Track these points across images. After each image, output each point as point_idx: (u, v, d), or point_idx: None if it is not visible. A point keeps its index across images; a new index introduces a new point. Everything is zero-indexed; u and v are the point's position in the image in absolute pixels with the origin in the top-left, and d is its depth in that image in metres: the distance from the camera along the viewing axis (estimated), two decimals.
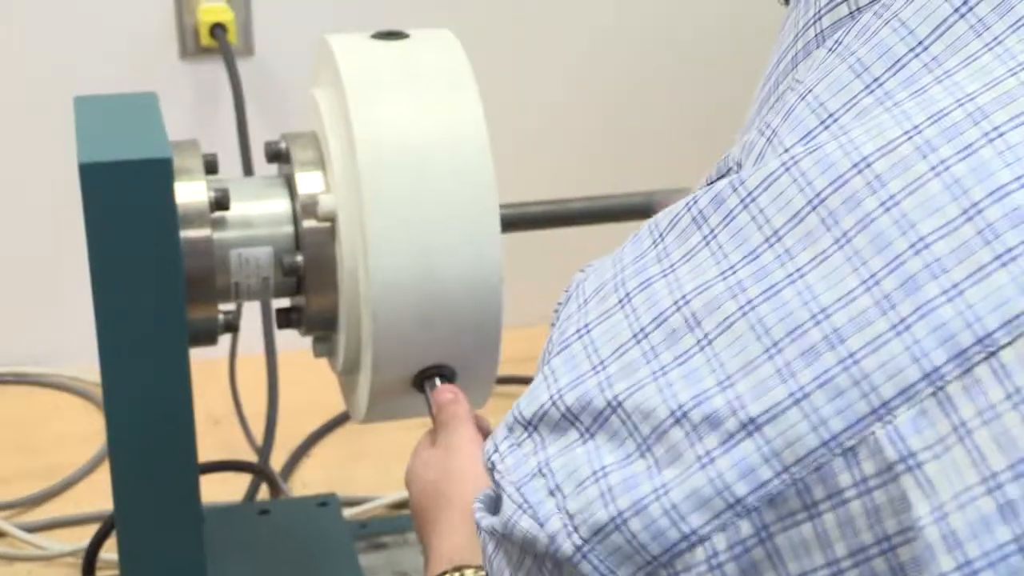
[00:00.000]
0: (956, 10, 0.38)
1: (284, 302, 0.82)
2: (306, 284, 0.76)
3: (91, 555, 0.95)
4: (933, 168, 0.35)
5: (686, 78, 1.38)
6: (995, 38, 0.37)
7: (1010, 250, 0.33)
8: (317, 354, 0.82)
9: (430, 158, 0.72)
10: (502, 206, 0.74)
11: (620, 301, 0.39)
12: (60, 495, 1.17)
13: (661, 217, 0.41)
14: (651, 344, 0.38)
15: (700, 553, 0.35)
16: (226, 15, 1.29)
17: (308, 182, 0.76)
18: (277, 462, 1.19)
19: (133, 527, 0.77)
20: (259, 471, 1.09)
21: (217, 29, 1.28)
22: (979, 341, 0.33)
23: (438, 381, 0.74)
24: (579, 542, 0.37)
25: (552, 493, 0.38)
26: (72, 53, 1.28)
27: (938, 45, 0.38)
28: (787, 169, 0.37)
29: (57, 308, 1.34)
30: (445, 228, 0.72)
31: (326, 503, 0.98)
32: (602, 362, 0.39)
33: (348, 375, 0.81)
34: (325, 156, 0.76)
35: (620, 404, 0.37)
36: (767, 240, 0.37)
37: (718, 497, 0.35)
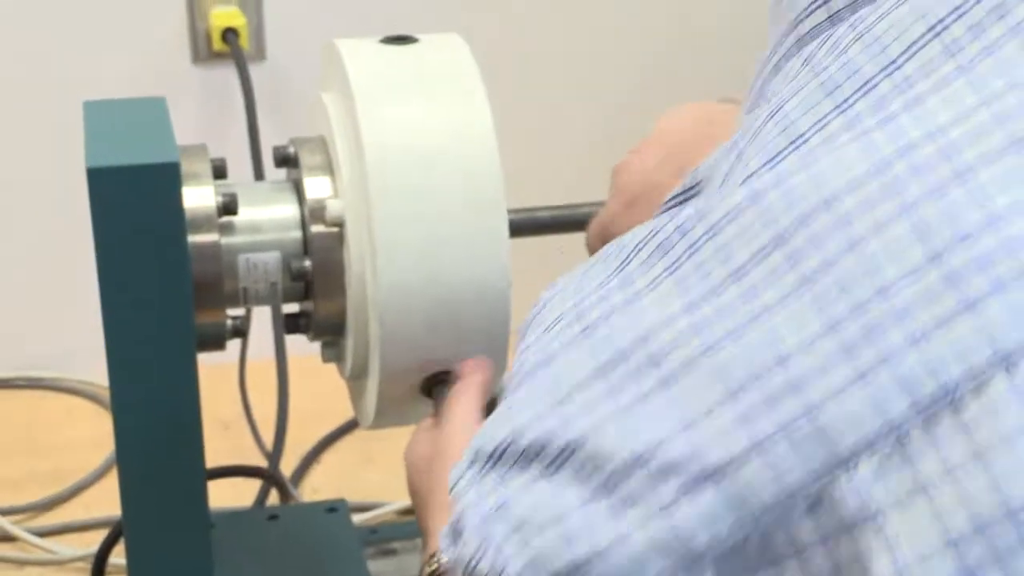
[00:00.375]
0: (931, 28, 0.36)
1: (292, 307, 0.81)
2: (314, 289, 0.76)
3: (100, 560, 0.95)
4: (901, 208, 0.34)
5: (696, 82, 1.37)
6: (970, 61, 0.35)
7: (975, 297, 0.32)
8: (326, 359, 0.82)
9: (438, 163, 0.72)
10: (511, 211, 0.73)
11: (583, 331, 0.38)
12: (71, 500, 1.17)
13: (627, 240, 0.40)
14: (614, 380, 0.36)
15: None
16: (238, 20, 1.29)
17: (316, 187, 0.76)
18: (287, 467, 1.19)
19: (141, 532, 0.77)
20: (268, 476, 1.09)
21: (229, 34, 1.28)
22: (942, 391, 0.32)
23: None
24: None
25: (512, 533, 0.37)
26: (84, 58, 1.28)
27: (910, 65, 0.36)
28: (753, 202, 0.36)
29: (68, 312, 1.34)
30: (453, 233, 0.72)
31: (335, 509, 0.98)
32: (565, 396, 0.37)
33: (356, 380, 0.80)
34: (333, 160, 0.76)
35: (582, 444, 0.36)
36: (732, 276, 0.36)
37: (679, 545, 0.34)
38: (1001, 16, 0.35)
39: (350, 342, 0.77)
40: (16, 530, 1.11)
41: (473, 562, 0.38)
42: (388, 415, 0.78)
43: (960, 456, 0.32)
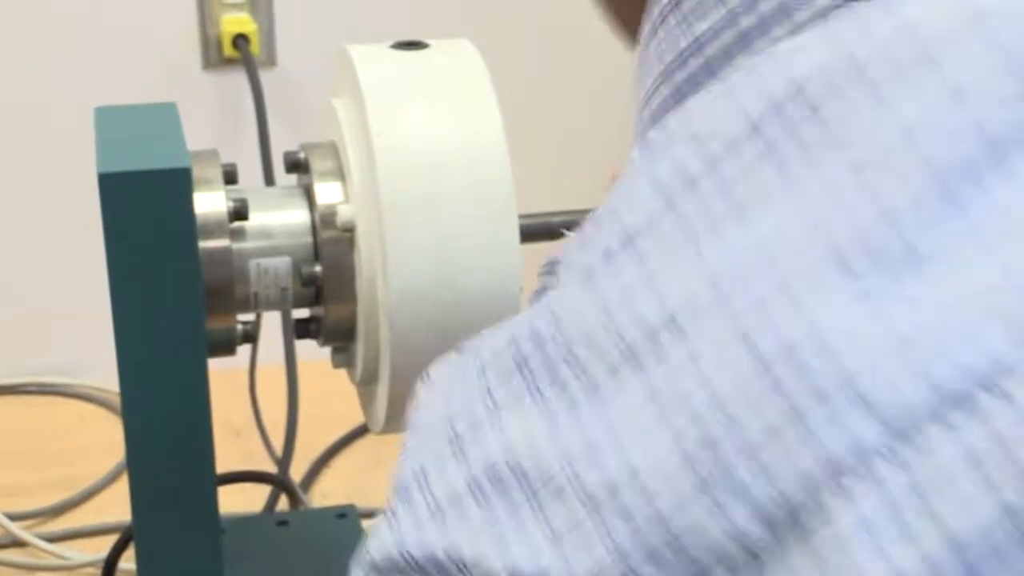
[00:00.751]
0: (753, 129, 0.36)
1: (303, 312, 0.81)
2: (325, 294, 0.76)
3: (110, 565, 0.95)
4: (731, 322, 0.34)
5: None
6: (807, 167, 0.35)
7: (803, 410, 0.32)
8: (336, 365, 0.82)
9: (449, 168, 0.72)
10: (522, 216, 0.73)
11: (452, 450, 0.38)
12: (81, 505, 1.18)
13: (489, 345, 0.39)
14: (484, 495, 0.37)
15: None
16: (249, 26, 1.29)
17: (327, 192, 0.76)
18: (297, 472, 1.19)
19: (151, 538, 0.77)
20: (278, 482, 1.09)
21: (240, 40, 1.29)
22: (780, 504, 0.32)
23: None
24: None
25: None
26: (95, 64, 1.28)
27: (712, 180, 0.36)
28: (602, 324, 0.36)
29: (80, 318, 1.34)
30: (464, 238, 0.72)
31: (345, 514, 0.98)
32: (441, 511, 0.38)
33: (366, 386, 0.80)
34: (344, 166, 0.76)
35: (461, 559, 0.36)
36: (587, 393, 0.36)
37: None
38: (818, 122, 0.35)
39: (360, 347, 0.77)
40: (26, 535, 1.11)
41: None
42: (399, 420, 0.78)
43: (804, 567, 0.31)
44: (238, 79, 1.29)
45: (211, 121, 1.32)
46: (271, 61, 1.32)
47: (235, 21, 1.28)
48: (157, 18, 1.28)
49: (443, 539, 0.37)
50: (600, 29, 1.55)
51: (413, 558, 0.37)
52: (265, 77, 1.27)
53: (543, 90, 1.37)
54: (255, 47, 1.29)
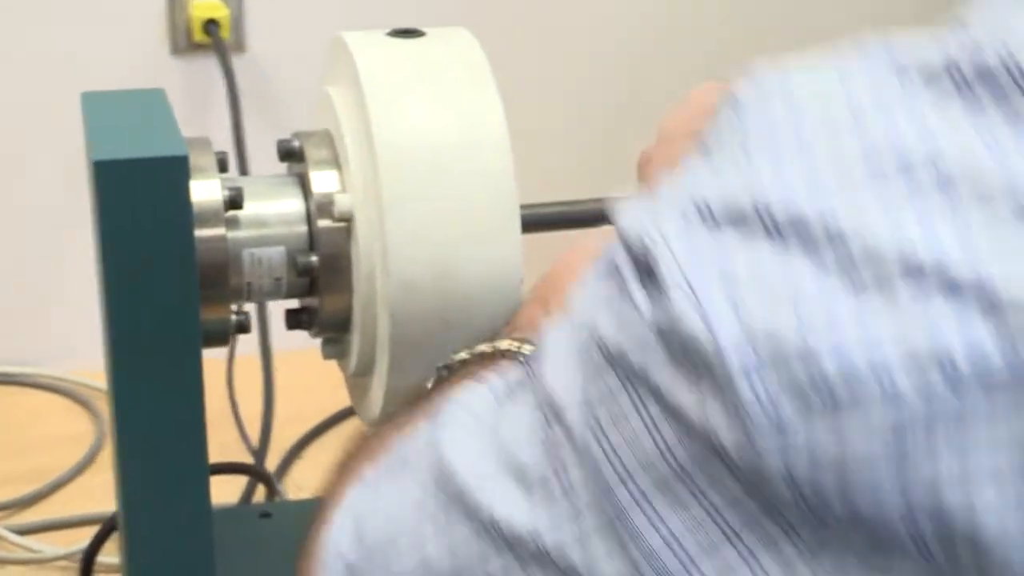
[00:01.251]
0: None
1: (293, 303, 0.80)
2: (320, 285, 0.75)
3: (89, 558, 0.93)
4: None
5: (706, 77, 1.38)
6: None
7: None
8: (327, 356, 0.81)
9: (450, 157, 0.72)
10: (522, 207, 0.73)
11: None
12: (48, 497, 1.16)
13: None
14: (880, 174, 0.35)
15: (890, 413, 0.33)
16: (219, 11, 1.28)
17: (323, 181, 0.75)
18: (270, 464, 1.18)
19: (141, 530, 0.75)
20: (257, 473, 1.08)
21: (210, 25, 1.27)
22: None
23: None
24: (750, 362, 0.33)
25: (728, 296, 0.34)
26: (62, 49, 1.26)
27: None
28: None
29: (43, 308, 1.32)
30: (465, 228, 0.71)
31: None
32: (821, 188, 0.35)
33: (361, 377, 0.80)
34: (341, 155, 0.75)
35: (839, 228, 0.34)
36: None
37: (936, 367, 0.32)
38: None
39: (356, 339, 0.76)
40: None
41: (677, 316, 0.34)
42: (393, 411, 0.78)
43: None
44: (207, 65, 1.27)
45: (180, 108, 1.29)
46: (240, 46, 1.30)
47: (205, 6, 1.26)
48: (125, 3, 1.26)
49: (818, 202, 0.34)
50: (596, 19, 1.54)
51: (771, 212, 0.34)
52: (235, 63, 1.26)
53: (537, 80, 1.36)
54: (225, 32, 1.27)
